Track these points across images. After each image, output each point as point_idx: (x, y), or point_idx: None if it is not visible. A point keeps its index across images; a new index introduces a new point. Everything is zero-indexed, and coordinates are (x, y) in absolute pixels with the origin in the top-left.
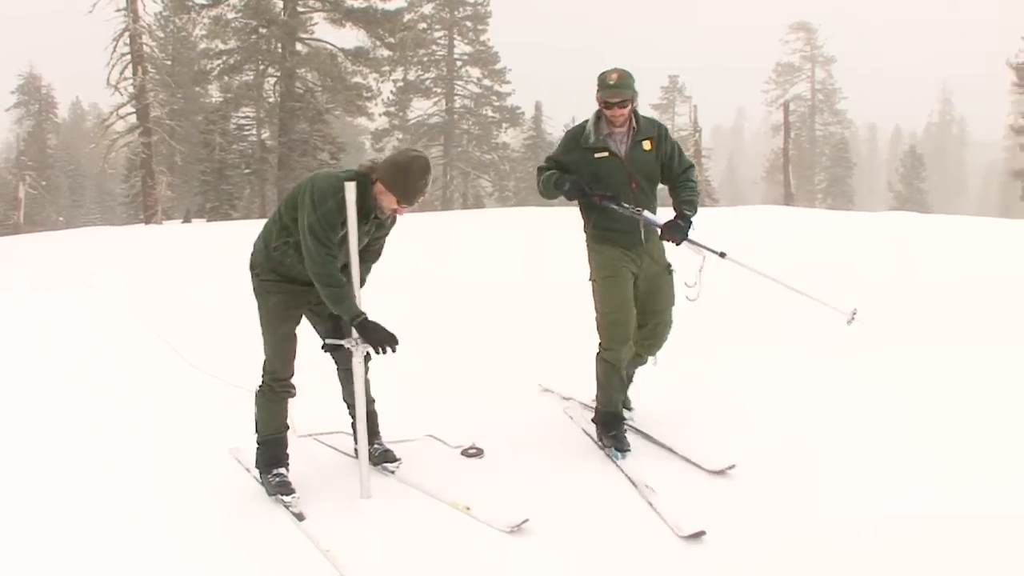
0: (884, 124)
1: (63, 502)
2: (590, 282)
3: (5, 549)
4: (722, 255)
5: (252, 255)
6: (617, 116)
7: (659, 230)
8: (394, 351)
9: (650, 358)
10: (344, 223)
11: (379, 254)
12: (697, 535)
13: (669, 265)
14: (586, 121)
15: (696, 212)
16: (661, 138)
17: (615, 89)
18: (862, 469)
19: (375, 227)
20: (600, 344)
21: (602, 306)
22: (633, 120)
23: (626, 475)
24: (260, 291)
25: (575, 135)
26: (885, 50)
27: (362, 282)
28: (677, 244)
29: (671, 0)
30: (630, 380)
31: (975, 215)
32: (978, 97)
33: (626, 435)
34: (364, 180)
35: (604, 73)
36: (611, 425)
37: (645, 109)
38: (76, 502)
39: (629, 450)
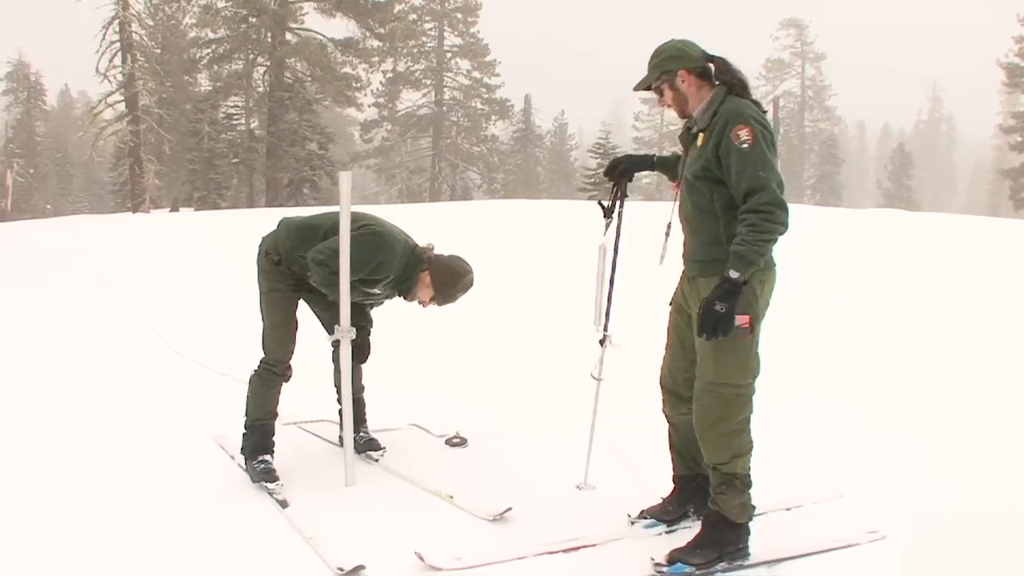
0: (873, 121)
1: (47, 489)
2: None
3: None
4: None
5: (274, 238)
6: (665, 106)
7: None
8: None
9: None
10: (378, 283)
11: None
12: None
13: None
14: None
15: (743, 272)
16: (713, 132)
17: (642, 79)
18: None
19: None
20: None
21: None
22: (697, 104)
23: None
24: (267, 273)
25: None
26: (875, 48)
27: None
28: (706, 335)
29: None
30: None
31: (963, 213)
32: (968, 96)
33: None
34: (415, 262)
35: None
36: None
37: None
38: (60, 489)
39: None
